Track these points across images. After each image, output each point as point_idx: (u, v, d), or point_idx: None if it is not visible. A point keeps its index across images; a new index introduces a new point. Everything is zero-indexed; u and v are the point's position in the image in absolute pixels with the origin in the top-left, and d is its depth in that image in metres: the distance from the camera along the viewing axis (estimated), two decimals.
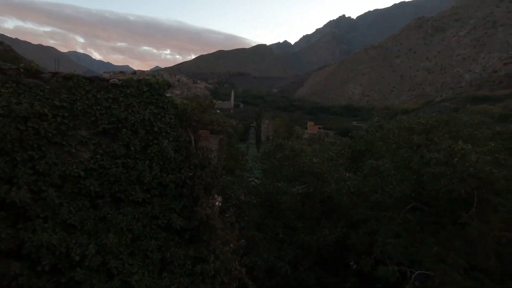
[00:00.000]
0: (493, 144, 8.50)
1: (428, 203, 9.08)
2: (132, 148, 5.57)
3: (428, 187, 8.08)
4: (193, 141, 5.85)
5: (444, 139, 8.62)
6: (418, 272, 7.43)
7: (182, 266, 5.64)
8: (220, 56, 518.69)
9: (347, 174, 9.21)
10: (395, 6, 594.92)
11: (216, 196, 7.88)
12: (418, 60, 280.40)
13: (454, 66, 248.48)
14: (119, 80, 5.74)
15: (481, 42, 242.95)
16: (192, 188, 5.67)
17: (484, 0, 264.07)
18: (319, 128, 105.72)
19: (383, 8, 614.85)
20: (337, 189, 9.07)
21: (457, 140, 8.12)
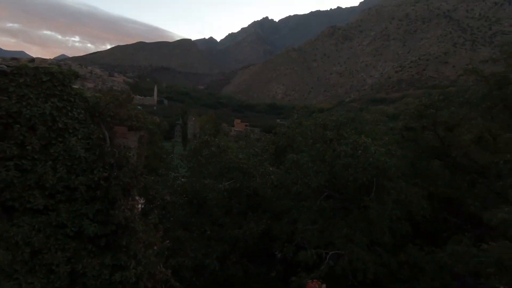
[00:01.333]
0: (387, 138, 10.10)
1: (339, 191, 10.28)
2: (28, 147, 4.74)
3: (339, 176, 9.14)
4: (107, 138, 5.32)
5: (351, 134, 9.86)
6: (331, 252, 8.35)
7: (98, 277, 5.10)
8: (141, 48, 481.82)
9: (271, 169, 9.73)
10: (312, 13, 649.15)
11: (137, 197, 7.36)
12: (331, 64, 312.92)
13: (359, 71, 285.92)
14: (8, 66, 4.81)
15: (379, 52, 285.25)
16: (108, 189, 5.16)
17: (380, 16, 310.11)
18: (246, 125, 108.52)
19: (302, 14, 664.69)
20: (262, 183, 9.51)
21: (361, 135, 9.39)
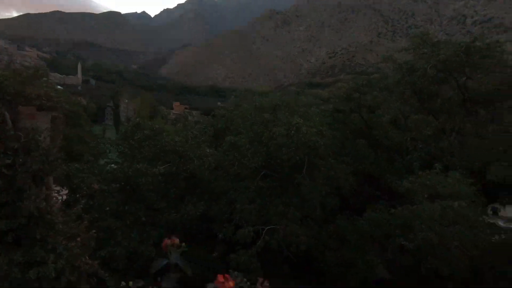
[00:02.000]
0: (318, 120, 10.77)
1: (275, 171, 10.73)
2: None
3: (275, 156, 9.50)
4: (8, 120, 4.54)
5: (285, 116, 10.25)
6: (267, 228, 8.77)
7: (6, 277, 4.47)
8: (59, 19, 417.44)
9: (208, 151, 9.61)
10: None
11: (59, 187, 6.57)
12: (271, 48, 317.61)
13: (297, 56, 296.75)
14: None
15: (315, 38, 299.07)
16: (13, 179, 4.46)
17: (316, 3, 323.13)
18: (186, 108, 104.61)
19: None
20: (199, 165, 9.36)
21: (294, 117, 9.83)
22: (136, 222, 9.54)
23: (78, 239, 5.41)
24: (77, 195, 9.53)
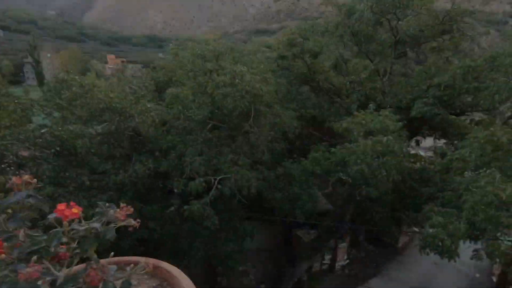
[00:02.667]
0: (262, 67, 10.69)
1: (223, 121, 10.73)
2: None
3: (221, 107, 9.41)
4: None
5: (229, 64, 9.95)
6: (219, 177, 9.06)
7: None
8: None
9: (149, 105, 9.11)
10: None
11: None
12: None
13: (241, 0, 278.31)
14: None
15: None
16: None
17: None
18: (122, 61, 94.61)
19: None
20: (142, 122, 8.91)
21: (238, 65, 9.60)
22: (80, 188, 9.09)
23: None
24: (2, 165, 8.60)
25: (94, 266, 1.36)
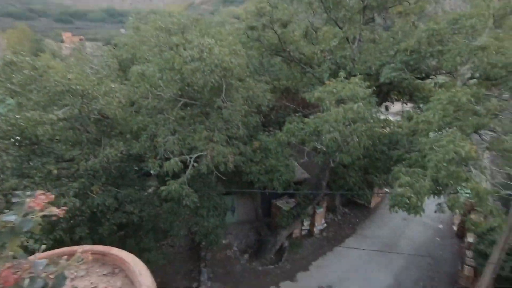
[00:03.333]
0: (231, 38, 10.28)
1: (194, 98, 10.41)
2: None
3: (191, 83, 9.07)
4: None
5: (196, 37, 9.47)
6: (195, 155, 8.94)
7: None
8: None
9: (113, 86, 8.56)
10: None
11: None
12: None
13: None
14: None
15: None
16: None
17: None
18: (80, 39, 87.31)
19: None
20: (108, 104, 8.41)
21: (205, 37, 9.16)
22: (47, 178, 8.64)
23: None
24: None
25: (8, 264, 1.23)
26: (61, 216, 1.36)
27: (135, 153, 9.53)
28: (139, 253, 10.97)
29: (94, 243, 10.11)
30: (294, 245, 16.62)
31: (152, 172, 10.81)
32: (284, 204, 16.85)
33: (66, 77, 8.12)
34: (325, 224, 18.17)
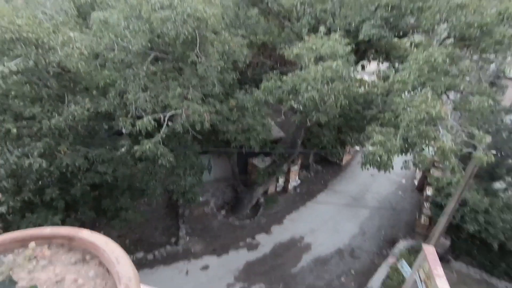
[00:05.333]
0: None
1: (166, 51, 9.67)
2: None
3: (161, 34, 8.31)
4: None
5: None
6: (169, 114, 8.56)
7: None
8: None
9: (72, 34, 7.63)
10: None
11: None
12: None
13: None
14: None
15: None
16: None
17: None
18: None
19: None
20: (67, 55, 7.55)
21: None
22: (7, 137, 7.96)
23: None
24: None
25: None
26: None
27: (104, 111, 8.94)
28: (116, 212, 10.95)
29: (67, 204, 9.88)
30: (269, 201, 17.36)
31: (123, 131, 10.34)
32: (260, 162, 17.18)
33: (14, 22, 7.08)
34: (299, 181, 18.97)
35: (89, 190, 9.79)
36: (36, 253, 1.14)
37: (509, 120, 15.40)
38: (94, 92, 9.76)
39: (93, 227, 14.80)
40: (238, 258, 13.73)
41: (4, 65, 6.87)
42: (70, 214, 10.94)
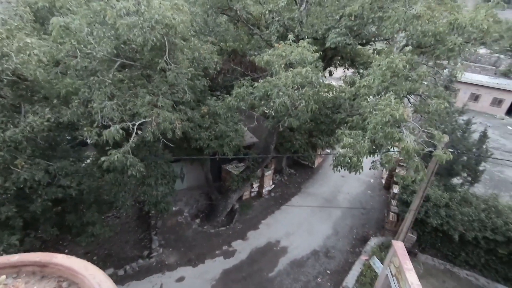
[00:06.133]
0: None
1: (133, 58, 9.37)
2: None
3: (128, 41, 8.05)
4: None
5: None
6: (138, 122, 8.26)
7: None
8: None
9: (29, 41, 7.14)
10: None
11: None
12: None
13: None
14: None
15: None
16: None
17: None
18: None
19: None
20: (24, 63, 7.05)
21: None
22: None
23: None
24: None
25: None
26: None
27: (66, 121, 8.42)
28: (81, 228, 10.29)
29: (26, 222, 9.11)
30: (244, 206, 17.30)
31: (88, 141, 9.80)
32: (234, 168, 17.11)
33: None
34: (273, 185, 19.14)
35: (50, 206, 9.13)
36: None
37: (461, 121, 16.76)
38: (55, 101, 9.19)
39: (56, 245, 13.78)
40: (215, 267, 13.48)
41: None
42: (29, 233, 10.12)
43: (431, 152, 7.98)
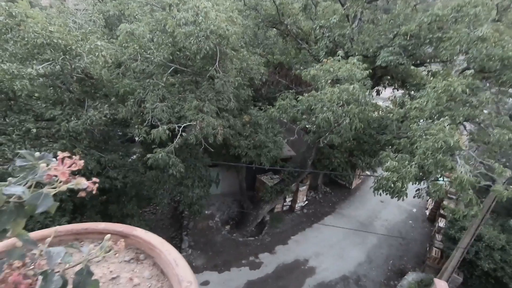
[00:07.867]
0: (228, 4, 9.68)
1: (186, 65, 9.94)
2: None
3: (183, 48, 8.58)
4: None
5: None
6: (184, 125, 8.68)
7: None
8: None
9: (99, 43, 7.96)
10: None
11: None
12: None
13: None
14: None
15: None
16: None
17: None
18: None
19: None
20: (92, 62, 7.86)
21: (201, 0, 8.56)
22: (26, 136, 8.19)
23: None
24: None
25: (17, 263, 0.82)
26: (94, 191, 0.95)
27: (120, 118, 9.14)
28: (121, 219, 10.93)
29: (75, 206, 9.94)
30: (275, 219, 17.07)
31: (136, 138, 10.49)
32: (269, 179, 17.05)
33: (47, 29, 7.44)
34: (306, 201, 18.67)
35: (97, 195, 9.86)
36: (113, 246, 1.06)
37: None
38: (113, 99, 10.04)
39: None
40: (240, 276, 13.38)
41: (32, 68, 7.17)
42: (76, 217, 10.99)
43: (488, 186, 7.21)
